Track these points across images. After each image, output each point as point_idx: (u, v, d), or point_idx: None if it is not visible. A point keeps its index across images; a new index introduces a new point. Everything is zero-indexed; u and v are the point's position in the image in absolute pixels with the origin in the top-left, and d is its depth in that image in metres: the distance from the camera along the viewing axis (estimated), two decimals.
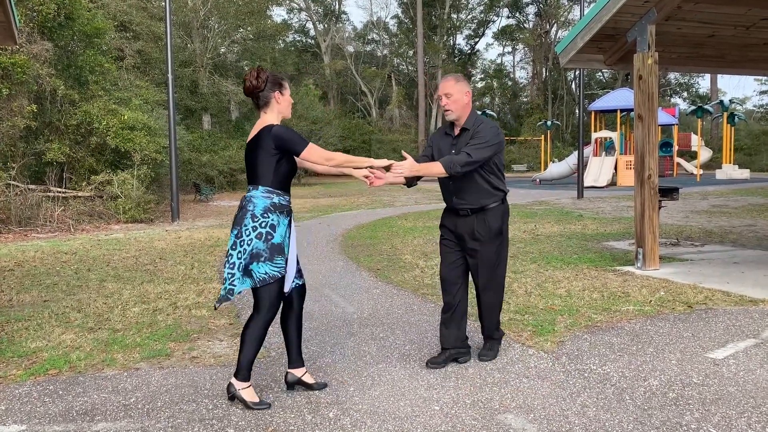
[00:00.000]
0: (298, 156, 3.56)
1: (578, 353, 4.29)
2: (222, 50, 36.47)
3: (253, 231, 3.47)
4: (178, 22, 31.64)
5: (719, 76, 46.83)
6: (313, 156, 3.54)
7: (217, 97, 34.63)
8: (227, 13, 33.49)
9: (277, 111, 3.63)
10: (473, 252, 4.11)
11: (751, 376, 3.79)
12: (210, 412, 3.45)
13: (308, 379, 3.77)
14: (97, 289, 6.93)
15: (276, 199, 3.54)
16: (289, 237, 3.59)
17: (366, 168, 3.80)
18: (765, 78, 53.31)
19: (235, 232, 3.51)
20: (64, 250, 10.08)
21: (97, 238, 11.74)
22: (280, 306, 3.62)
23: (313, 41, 54.08)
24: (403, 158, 3.96)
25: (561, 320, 5.15)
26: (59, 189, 15.09)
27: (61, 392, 3.81)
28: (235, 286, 3.49)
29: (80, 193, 15.08)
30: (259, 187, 3.53)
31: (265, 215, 3.49)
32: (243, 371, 3.50)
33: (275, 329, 4.70)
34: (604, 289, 6.33)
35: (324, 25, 52.80)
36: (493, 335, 4.30)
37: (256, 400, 3.50)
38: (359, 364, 4.18)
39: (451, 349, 4.15)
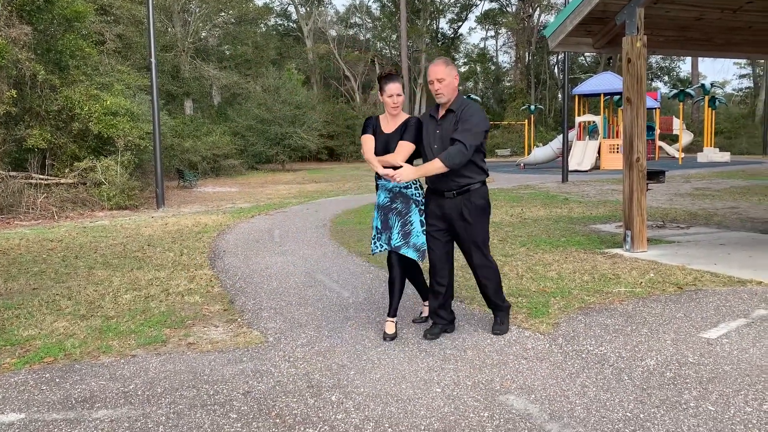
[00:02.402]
0: None
1: (574, 334, 4.34)
2: (203, 34, 36.02)
3: (413, 206, 4.37)
4: (159, 6, 31.17)
5: (700, 60, 47.20)
6: (362, 143, 4.38)
7: (199, 82, 34.30)
8: None
9: (385, 109, 4.38)
10: (463, 233, 4.22)
11: (745, 355, 3.85)
12: (211, 398, 3.44)
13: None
14: (87, 276, 6.86)
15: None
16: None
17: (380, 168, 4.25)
18: (745, 62, 53.83)
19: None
20: (50, 237, 9.96)
21: (82, 225, 11.61)
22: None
23: (295, 25, 53.60)
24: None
25: (554, 302, 5.20)
26: (41, 176, 14.88)
27: (58, 380, 3.78)
28: (411, 253, 4.30)
29: (63, 180, 14.89)
30: None
31: (417, 190, 4.42)
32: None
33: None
34: (594, 272, 6.39)
35: (306, 9, 52.32)
36: (501, 308, 4.47)
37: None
38: (358, 348, 4.19)
39: (440, 323, 4.41)
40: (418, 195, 4.30)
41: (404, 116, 4.34)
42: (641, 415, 3.06)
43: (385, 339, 4.32)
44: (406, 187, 4.27)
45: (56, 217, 12.87)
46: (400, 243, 4.22)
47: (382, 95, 4.31)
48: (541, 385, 3.47)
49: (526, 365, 3.78)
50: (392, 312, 4.39)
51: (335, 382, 3.61)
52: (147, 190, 17.08)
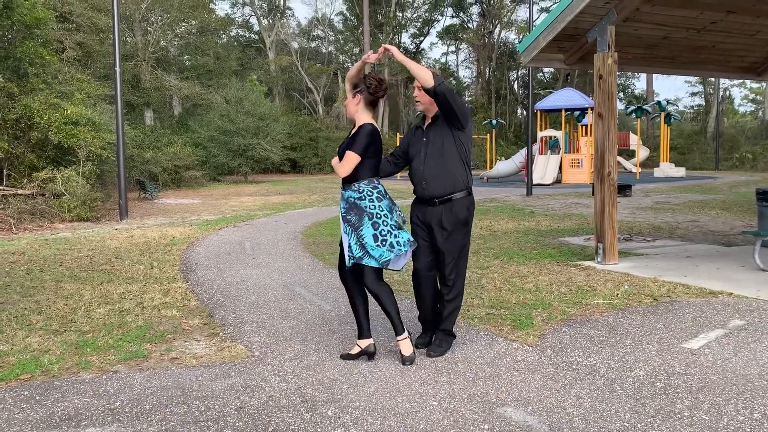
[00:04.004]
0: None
1: (561, 346, 4.38)
2: (163, 44, 35.50)
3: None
4: (120, 15, 30.65)
5: (654, 77, 48.62)
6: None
7: (160, 92, 33.78)
8: (170, 6, 32.65)
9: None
10: (440, 241, 4.21)
11: (729, 364, 3.95)
12: (203, 414, 3.35)
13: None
14: (55, 290, 6.64)
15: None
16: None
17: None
18: (696, 80, 55.69)
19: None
20: (10, 249, 9.62)
21: (43, 237, 11.25)
22: None
23: (257, 36, 53.29)
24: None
25: (537, 314, 5.24)
26: None
27: (38, 397, 3.63)
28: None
29: (21, 191, 14.41)
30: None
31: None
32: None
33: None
34: (570, 284, 6.48)
35: (268, 21, 52.10)
36: (448, 329, 4.33)
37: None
38: (348, 362, 4.14)
39: (431, 332, 4.42)
40: (372, 207, 4.05)
41: (361, 122, 4.18)
42: (638, 425, 3.10)
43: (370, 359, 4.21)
44: (360, 199, 4.08)
45: (14, 228, 12.44)
46: (360, 254, 4.04)
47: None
48: (536, 396, 3.49)
49: (519, 377, 3.79)
50: (366, 332, 4.21)
51: (329, 396, 3.56)
52: (108, 201, 16.68)
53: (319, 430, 3.13)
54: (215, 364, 4.17)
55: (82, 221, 14.00)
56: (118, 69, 14.07)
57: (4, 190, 14.29)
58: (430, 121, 4.31)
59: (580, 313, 5.30)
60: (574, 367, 3.95)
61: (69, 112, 14.97)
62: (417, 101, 4.30)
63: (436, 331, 4.36)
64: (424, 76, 3.99)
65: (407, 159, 4.39)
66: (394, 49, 4.14)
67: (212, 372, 4.00)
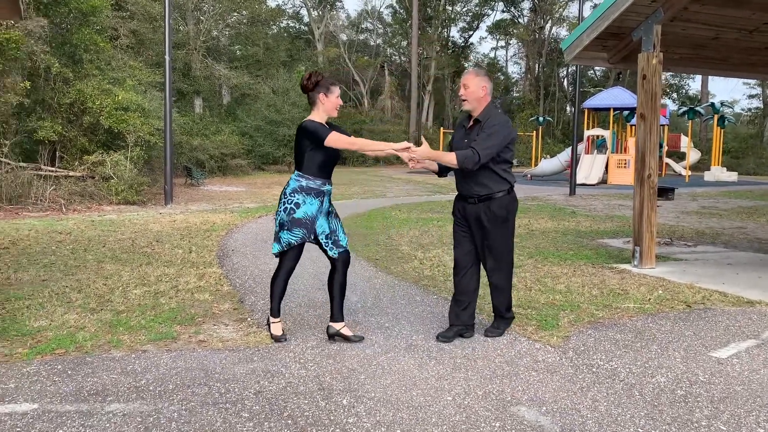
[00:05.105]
0: (322, 145, 4.12)
1: (584, 348, 4.34)
2: (215, 33, 36.12)
3: (281, 206, 4.29)
4: (173, 4, 31.27)
5: (710, 78, 47.18)
6: (336, 143, 4.17)
7: (209, 81, 34.38)
8: None
9: (322, 110, 4.30)
10: (479, 237, 4.43)
11: (756, 375, 3.85)
12: (223, 396, 3.45)
13: (346, 331, 4.42)
14: (96, 269, 6.89)
15: (304, 183, 4.25)
16: (317, 214, 4.28)
17: (389, 152, 4.28)
18: (754, 82, 53.78)
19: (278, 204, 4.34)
20: (59, 229, 9.99)
21: (90, 218, 11.64)
22: (295, 264, 4.41)
23: (306, 28, 53.72)
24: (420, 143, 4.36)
25: (564, 315, 5.20)
26: (51, 168, 14.93)
27: (70, 372, 3.79)
28: (273, 246, 4.35)
29: (72, 173, 14.93)
30: (295, 171, 4.30)
31: (292, 194, 4.25)
32: (274, 310, 4.42)
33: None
34: (603, 286, 6.39)
35: (318, 12, 52.46)
36: (503, 314, 4.59)
37: (279, 333, 4.41)
38: (368, 353, 4.20)
39: (459, 326, 4.49)
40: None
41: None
42: None
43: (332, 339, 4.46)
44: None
45: (64, 209, 12.90)
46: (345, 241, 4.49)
47: (329, 96, 4.32)
48: (552, 397, 3.48)
49: (536, 377, 3.78)
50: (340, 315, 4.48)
51: (346, 385, 3.62)
52: (155, 186, 17.11)
53: (332, 417, 3.20)
54: (240, 348, 4.27)
55: (128, 204, 14.42)
56: (168, 57, 14.41)
57: (56, 171, 14.83)
58: (472, 123, 4.42)
59: (609, 316, 5.23)
60: (594, 370, 3.92)
61: (120, 97, 15.41)
62: (464, 100, 4.41)
63: (494, 316, 4.62)
64: (448, 159, 4.24)
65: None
66: (418, 151, 4.22)
67: (236, 356, 4.11)
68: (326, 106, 4.30)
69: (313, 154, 4.23)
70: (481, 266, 4.57)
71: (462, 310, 4.49)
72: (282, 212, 4.26)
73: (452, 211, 4.60)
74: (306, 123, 4.23)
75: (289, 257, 4.36)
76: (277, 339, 4.39)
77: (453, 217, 4.59)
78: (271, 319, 4.46)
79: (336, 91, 4.32)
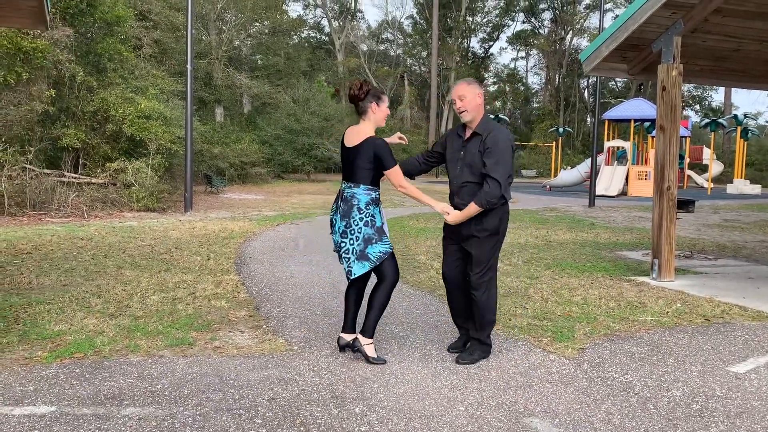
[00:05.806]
0: (381, 168, 4.17)
1: (599, 361, 4.31)
2: (237, 43, 36.52)
3: (361, 221, 4.15)
4: (196, 14, 31.69)
5: (734, 90, 46.65)
6: (392, 178, 4.20)
7: (231, 90, 34.73)
8: (244, 6, 33.59)
9: (373, 120, 4.24)
10: (468, 249, 4.25)
11: None
12: (237, 403, 3.48)
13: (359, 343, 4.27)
14: (115, 275, 6.98)
15: (374, 195, 4.22)
16: (383, 221, 4.27)
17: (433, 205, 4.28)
18: None
19: (344, 223, 4.18)
20: (80, 235, 10.14)
21: (111, 225, 11.80)
22: (399, 274, 4.29)
23: (327, 38, 54.12)
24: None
25: (579, 327, 5.17)
26: (74, 174, 15.17)
27: (87, 375, 3.85)
28: (352, 268, 4.16)
29: (94, 180, 15.15)
30: (360, 185, 4.17)
31: (368, 207, 4.18)
32: (369, 330, 4.21)
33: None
34: (621, 299, 6.34)
35: (339, 23, 52.84)
36: (480, 338, 4.30)
37: (375, 355, 4.20)
38: (381, 362, 4.20)
39: (466, 335, 4.44)
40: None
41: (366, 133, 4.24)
42: None
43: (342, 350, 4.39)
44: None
45: (86, 215, 13.10)
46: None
47: (380, 106, 4.24)
48: (565, 409, 3.46)
49: (550, 389, 3.77)
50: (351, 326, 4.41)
51: (359, 394, 3.64)
52: (175, 193, 17.31)
53: (345, 425, 3.21)
54: (255, 355, 4.31)
55: (149, 211, 14.60)
56: (190, 66, 14.61)
57: (79, 178, 15.06)
58: (469, 135, 4.26)
59: (625, 329, 5.19)
60: (609, 382, 3.89)
61: (142, 106, 15.64)
62: (462, 111, 4.22)
63: (471, 338, 4.37)
64: (474, 211, 4.13)
65: (440, 160, 4.47)
66: (450, 217, 4.23)
67: (251, 363, 4.14)
68: (377, 116, 4.23)
69: (376, 169, 4.17)
70: None
71: (464, 321, 4.43)
72: (364, 227, 4.12)
73: (443, 224, 4.40)
74: (380, 141, 4.14)
75: (391, 270, 4.20)
76: (376, 360, 4.18)
77: (443, 229, 4.43)
78: (365, 341, 4.22)
79: (386, 100, 4.26)
